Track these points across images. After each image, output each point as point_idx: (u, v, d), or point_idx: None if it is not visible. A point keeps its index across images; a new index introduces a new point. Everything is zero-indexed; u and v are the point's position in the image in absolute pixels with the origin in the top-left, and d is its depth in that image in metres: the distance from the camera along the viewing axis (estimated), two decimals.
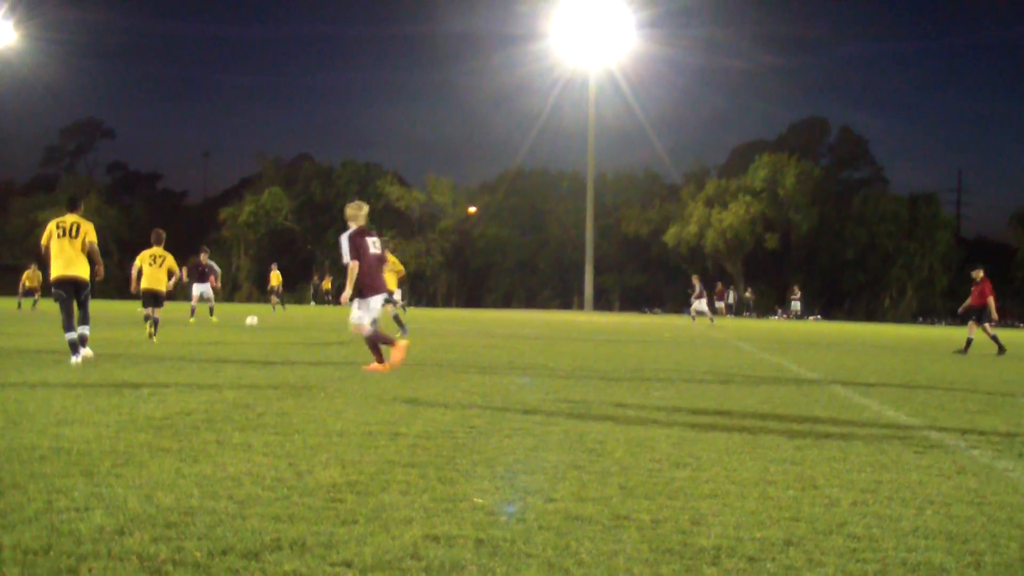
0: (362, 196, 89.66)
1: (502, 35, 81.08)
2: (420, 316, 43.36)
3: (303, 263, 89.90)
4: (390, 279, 23.19)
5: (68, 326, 12.85)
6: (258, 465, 5.74)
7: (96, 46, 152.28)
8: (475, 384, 11.15)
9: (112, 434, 6.73)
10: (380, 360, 12.63)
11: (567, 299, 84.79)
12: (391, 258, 23.16)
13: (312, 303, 69.77)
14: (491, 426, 7.75)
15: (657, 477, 5.83)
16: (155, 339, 17.59)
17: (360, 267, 12.42)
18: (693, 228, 77.58)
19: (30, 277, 39.11)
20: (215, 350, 15.99)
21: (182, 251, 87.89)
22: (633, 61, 73.73)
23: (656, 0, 73.20)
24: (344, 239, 12.57)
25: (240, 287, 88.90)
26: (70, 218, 13.32)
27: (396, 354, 12.55)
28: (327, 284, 70.05)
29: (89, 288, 13.30)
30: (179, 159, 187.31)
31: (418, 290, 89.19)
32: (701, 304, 41.47)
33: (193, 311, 30.42)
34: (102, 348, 14.69)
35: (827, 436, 7.76)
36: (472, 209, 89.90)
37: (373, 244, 12.75)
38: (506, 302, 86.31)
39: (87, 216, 13.54)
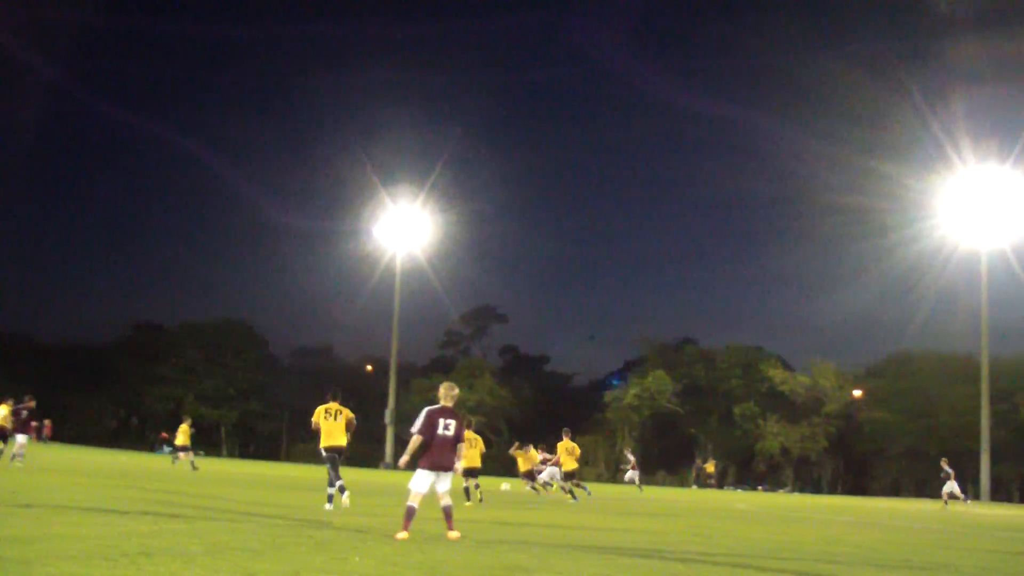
0: (746, 379, 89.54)
1: (889, 214, 78.59)
2: (804, 504, 41.76)
3: (685, 446, 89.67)
4: (473, 455, 25.22)
5: (332, 481, 18.44)
6: None
7: (495, 236, 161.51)
8: None
9: None
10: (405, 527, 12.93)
11: (960, 489, 79.64)
12: (473, 435, 25.38)
13: (694, 486, 69.08)
14: None
15: None
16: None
17: (426, 443, 13.24)
18: None
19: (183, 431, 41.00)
20: (595, 533, 15.98)
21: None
22: None
23: None
24: (423, 412, 13.56)
25: (624, 468, 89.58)
26: (334, 405, 19.01)
27: (401, 534, 12.82)
28: (710, 467, 69.30)
29: (344, 453, 19.07)
30: (566, 343, 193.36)
31: (802, 475, 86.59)
32: (952, 486, 43.05)
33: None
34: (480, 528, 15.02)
35: None
36: (857, 393, 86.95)
37: (445, 426, 13.36)
38: (894, 490, 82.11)
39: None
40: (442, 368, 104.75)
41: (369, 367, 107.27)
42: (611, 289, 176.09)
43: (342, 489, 18.65)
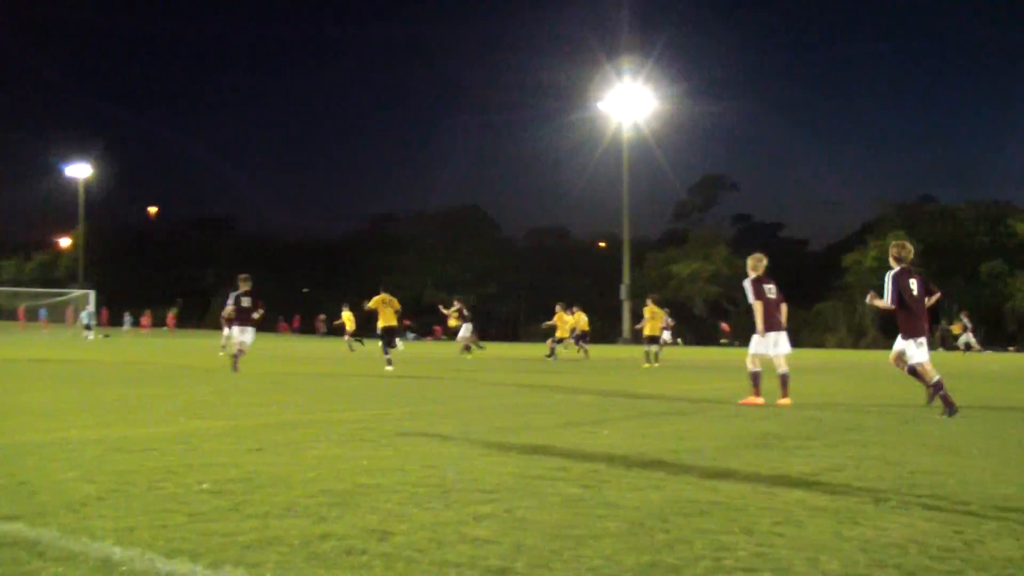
0: (991, 235, 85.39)
1: None
2: None
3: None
4: (654, 325, 29.49)
5: (387, 351, 25.09)
6: (921, 531, 5.37)
7: (725, 101, 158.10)
8: None
9: (766, 489, 6.68)
10: (756, 394, 14.26)
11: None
12: (656, 309, 29.55)
13: (940, 349, 66.87)
14: None
15: None
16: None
17: (763, 307, 14.24)
18: None
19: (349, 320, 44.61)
20: (846, 397, 15.66)
21: (806, 299, 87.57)
22: None
23: None
24: (748, 283, 14.48)
25: (865, 334, 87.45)
26: (387, 296, 25.76)
27: (754, 399, 14.19)
28: (956, 328, 66.85)
29: (398, 331, 26.36)
30: (800, 207, 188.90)
31: None
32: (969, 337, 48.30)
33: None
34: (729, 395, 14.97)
35: None
36: None
37: (769, 291, 14.43)
38: None
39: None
40: (675, 241, 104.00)
41: (602, 244, 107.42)
42: (844, 150, 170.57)
43: (389, 363, 24.45)
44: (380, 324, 25.91)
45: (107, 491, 6.24)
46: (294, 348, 47.67)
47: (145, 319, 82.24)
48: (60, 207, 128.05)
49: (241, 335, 22.50)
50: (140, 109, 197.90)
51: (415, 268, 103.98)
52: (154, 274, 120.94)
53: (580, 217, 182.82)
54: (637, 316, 35.53)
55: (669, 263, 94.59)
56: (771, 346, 14.31)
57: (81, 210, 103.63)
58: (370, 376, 21.66)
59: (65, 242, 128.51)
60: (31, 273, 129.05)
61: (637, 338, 29.04)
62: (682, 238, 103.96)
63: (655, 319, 29.41)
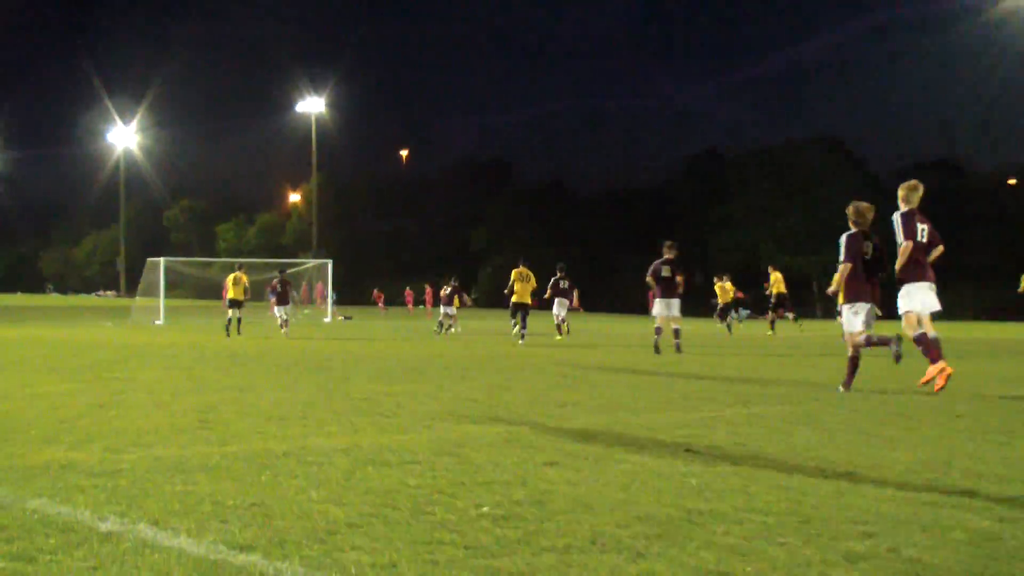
0: None
1: None
2: None
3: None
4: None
5: (515, 326, 32.16)
6: None
7: None
8: None
9: None
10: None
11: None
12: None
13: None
14: None
15: None
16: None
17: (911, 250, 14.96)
18: None
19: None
20: None
21: None
22: None
23: None
24: (897, 217, 15.43)
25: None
26: (525, 271, 32.37)
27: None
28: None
29: (528, 310, 32.43)
30: None
31: None
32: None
33: None
34: None
35: None
36: None
37: (921, 231, 15.09)
38: None
39: None
40: None
41: (1012, 181, 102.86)
42: None
43: (522, 336, 31.25)
44: (513, 300, 32.37)
45: (360, 516, 6.47)
46: (604, 328, 48.30)
47: (408, 296, 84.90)
48: (289, 157, 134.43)
49: (665, 310, 25.66)
50: (384, 36, 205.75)
51: (748, 222, 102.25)
52: (407, 236, 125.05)
53: (979, 146, 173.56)
54: None
55: None
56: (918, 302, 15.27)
57: (314, 156, 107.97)
58: (683, 367, 21.61)
59: (294, 199, 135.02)
60: (255, 239, 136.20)
61: None
62: None
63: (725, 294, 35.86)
